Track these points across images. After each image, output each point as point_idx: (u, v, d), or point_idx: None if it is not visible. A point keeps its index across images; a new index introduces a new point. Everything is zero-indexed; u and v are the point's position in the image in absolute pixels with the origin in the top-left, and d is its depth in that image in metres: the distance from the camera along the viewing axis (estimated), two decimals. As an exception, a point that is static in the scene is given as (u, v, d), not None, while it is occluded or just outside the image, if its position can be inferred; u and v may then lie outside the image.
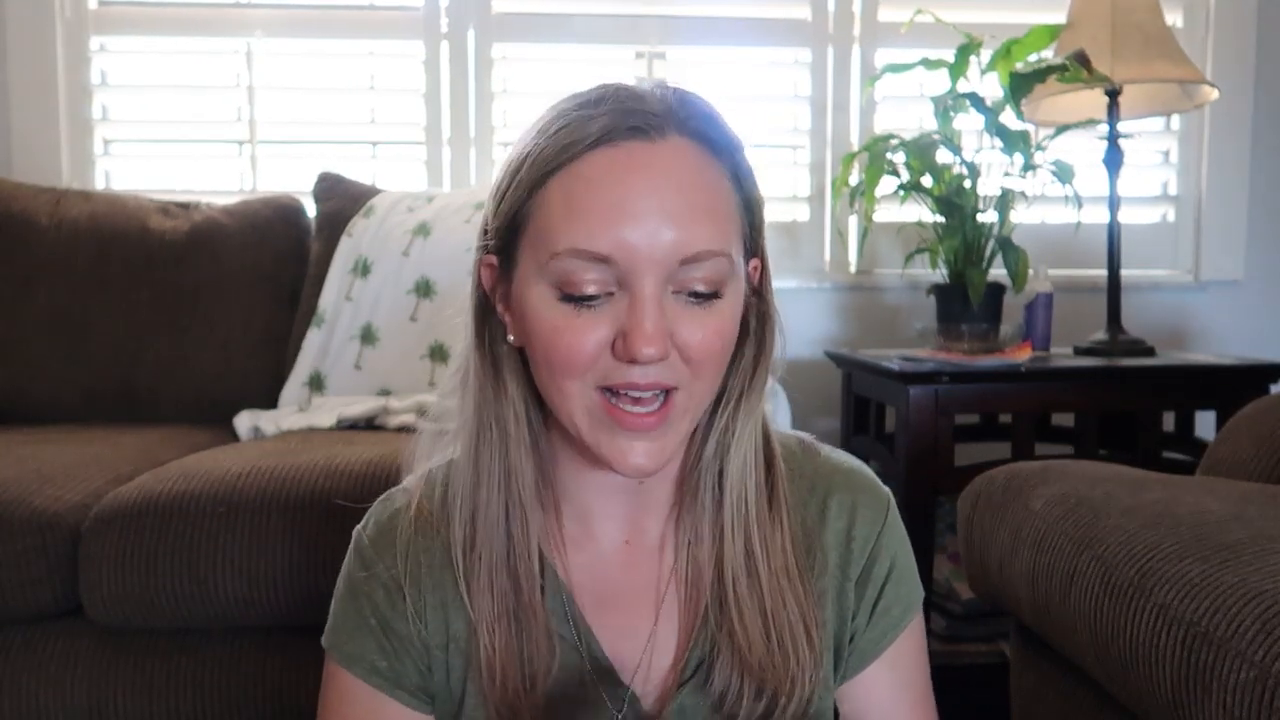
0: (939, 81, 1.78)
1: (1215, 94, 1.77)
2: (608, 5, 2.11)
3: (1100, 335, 1.78)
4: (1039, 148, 1.73)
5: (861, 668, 0.72)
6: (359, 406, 1.54)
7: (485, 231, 0.65)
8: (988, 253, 1.73)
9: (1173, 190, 2.22)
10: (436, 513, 0.69)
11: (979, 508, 1.08)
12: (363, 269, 1.71)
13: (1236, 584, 0.70)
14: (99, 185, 2.08)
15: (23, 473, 1.20)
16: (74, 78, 2.06)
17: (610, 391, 0.60)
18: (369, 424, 1.52)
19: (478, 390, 0.67)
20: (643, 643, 0.69)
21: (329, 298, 1.71)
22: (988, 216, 1.73)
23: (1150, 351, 1.74)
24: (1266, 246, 2.18)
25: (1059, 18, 1.78)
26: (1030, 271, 1.71)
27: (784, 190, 2.17)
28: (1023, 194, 1.73)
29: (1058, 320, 1.88)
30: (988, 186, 1.75)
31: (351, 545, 0.71)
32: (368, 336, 1.68)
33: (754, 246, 0.66)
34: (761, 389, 0.68)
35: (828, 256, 2.15)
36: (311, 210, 1.88)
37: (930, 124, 1.78)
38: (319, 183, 1.88)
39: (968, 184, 1.72)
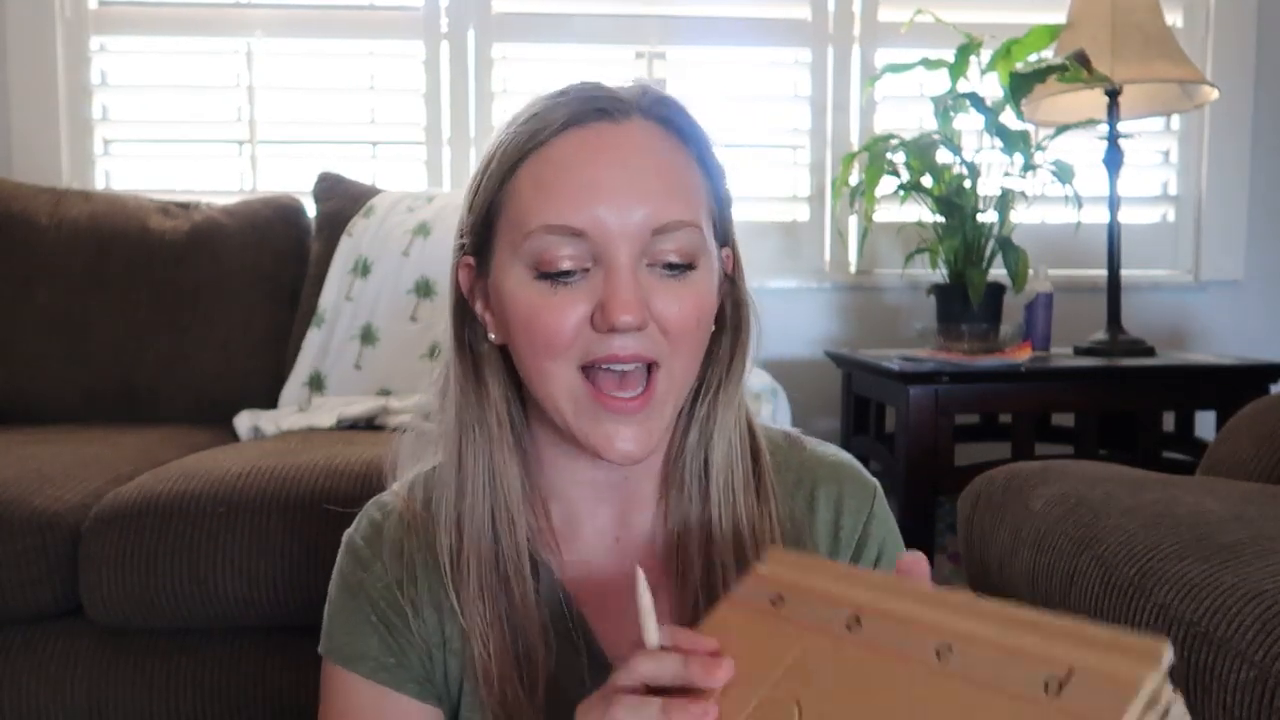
0: (939, 81, 1.78)
1: (1215, 94, 1.78)
2: (608, 5, 2.11)
3: (1100, 335, 1.78)
4: (1039, 148, 1.73)
5: None
6: (359, 406, 1.54)
7: (461, 233, 0.66)
8: (988, 253, 1.73)
9: (1173, 190, 2.22)
10: (422, 519, 0.69)
11: (979, 508, 1.08)
12: (363, 269, 1.71)
13: (1236, 584, 0.70)
14: (99, 185, 2.08)
15: (23, 473, 1.20)
16: (74, 78, 2.06)
17: (593, 373, 0.61)
18: (369, 424, 1.52)
19: (459, 393, 0.67)
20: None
21: (329, 298, 1.71)
22: (988, 216, 1.74)
23: (1150, 351, 1.74)
24: (1266, 246, 2.18)
25: (1059, 18, 1.78)
26: (1030, 271, 1.71)
27: (784, 190, 2.17)
28: (1023, 194, 1.73)
29: (1058, 320, 1.88)
30: (988, 186, 1.75)
31: (343, 549, 0.71)
32: (368, 336, 1.68)
33: (725, 236, 0.68)
34: (740, 377, 0.69)
35: (828, 256, 2.15)
36: (311, 210, 1.88)
37: (930, 124, 1.78)
38: (319, 183, 1.88)
39: (968, 184, 1.72)
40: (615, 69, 2.16)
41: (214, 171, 2.11)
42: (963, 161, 1.72)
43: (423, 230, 1.70)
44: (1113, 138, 1.75)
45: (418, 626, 0.68)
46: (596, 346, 0.60)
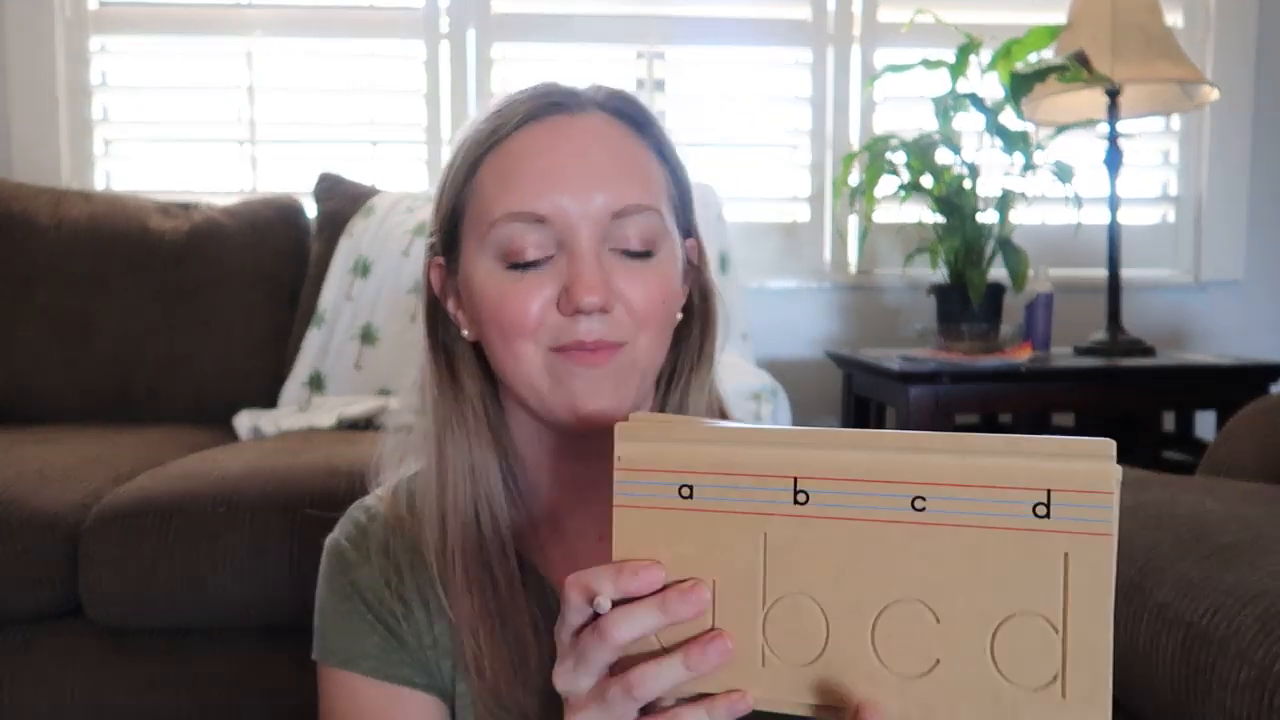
0: (939, 81, 1.78)
1: (1215, 94, 1.78)
2: (608, 5, 2.11)
3: (1100, 335, 1.78)
4: (1039, 148, 1.73)
5: None
6: (359, 406, 1.54)
7: (430, 233, 0.68)
8: (988, 253, 1.73)
9: (1173, 190, 2.22)
10: (407, 520, 0.69)
11: (979, 508, 1.08)
12: (363, 269, 1.71)
13: (1236, 584, 0.70)
14: (99, 185, 2.08)
15: (23, 473, 1.20)
16: (74, 78, 2.06)
17: (561, 351, 0.62)
18: (369, 424, 1.52)
19: (436, 392, 0.68)
20: None
21: (329, 298, 1.71)
22: (988, 216, 1.73)
23: (1150, 351, 1.74)
24: (1266, 246, 2.18)
25: (1059, 18, 1.78)
26: (1030, 271, 1.71)
27: (784, 190, 2.17)
28: (1023, 194, 1.73)
29: (1058, 320, 1.88)
30: (988, 186, 1.75)
31: (327, 554, 0.71)
32: (368, 336, 1.68)
33: (688, 226, 0.69)
34: (710, 363, 0.70)
35: (828, 256, 2.15)
36: (311, 210, 1.88)
37: (930, 124, 1.78)
38: (319, 183, 1.88)
39: (968, 184, 1.72)
40: (615, 69, 2.16)
41: (214, 172, 2.11)
42: (963, 161, 1.72)
43: (422, 230, 1.70)
44: (1113, 138, 1.75)
45: (412, 623, 0.68)
46: (564, 332, 0.61)
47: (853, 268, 2.13)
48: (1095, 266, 1.92)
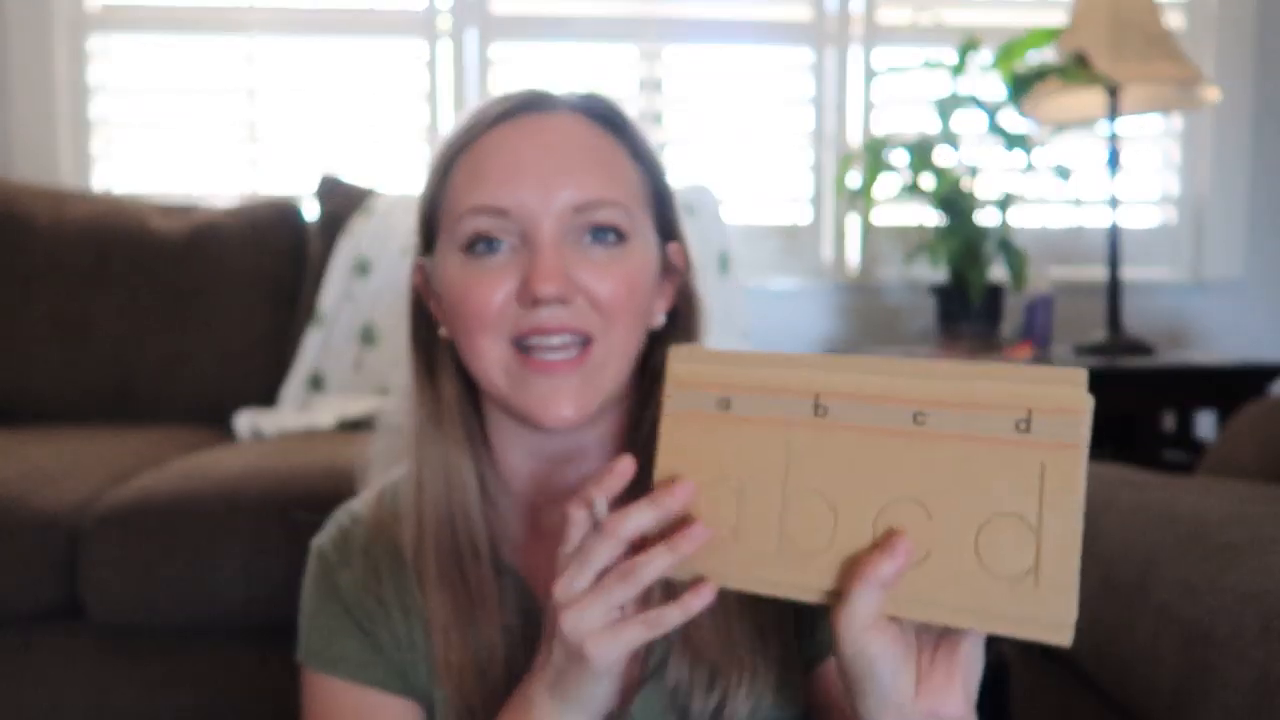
0: (939, 82, 1.78)
1: (1216, 94, 1.78)
2: (608, 5, 2.11)
3: (1100, 335, 1.78)
4: (1039, 148, 1.73)
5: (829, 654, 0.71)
6: (359, 406, 1.55)
7: (415, 234, 0.69)
8: (988, 253, 1.73)
9: (1173, 191, 2.21)
10: (389, 522, 0.70)
11: (979, 508, 1.08)
12: (363, 269, 1.71)
13: (1236, 584, 0.70)
14: (99, 185, 2.08)
15: (23, 473, 1.20)
16: (74, 78, 2.06)
17: (524, 349, 0.62)
18: (369, 424, 1.52)
19: (416, 391, 0.68)
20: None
21: (329, 298, 1.71)
22: (988, 216, 1.74)
23: (1150, 351, 1.74)
24: (1266, 246, 2.18)
25: (1059, 18, 1.78)
26: (1030, 272, 1.71)
27: (784, 190, 2.17)
28: (1023, 194, 1.74)
29: (1058, 320, 1.88)
30: (988, 186, 1.75)
31: (312, 557, 0.72)
32: (368, 336, 1.68)
33: (669, 230, 0.69)
34: None
35: (828, 257, 2.15)
36: (312, 211, 1.88)
37: (930, 124, 1.78)
38: (319, 184, 1.88)
39: (968, 184, 1.72)
40: (615, 69, 2.16)
41: (214, 172, 2.11)
42: (963, 161, 1.72)
43: (423, 230, 1.70)
44: (1113, 138, 1.75)
45: (390, 627, 0.68)
46: (523, 320, 0.61)
47: (853, 268, 2.13)
48: (1095, 266, 1.92)
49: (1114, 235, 1.77)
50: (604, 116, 0.66)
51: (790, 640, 0.69)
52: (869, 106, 2.12)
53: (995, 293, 1.74)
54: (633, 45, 2.12)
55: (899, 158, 1.76)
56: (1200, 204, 2.17)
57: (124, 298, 1.72)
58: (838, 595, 0.49)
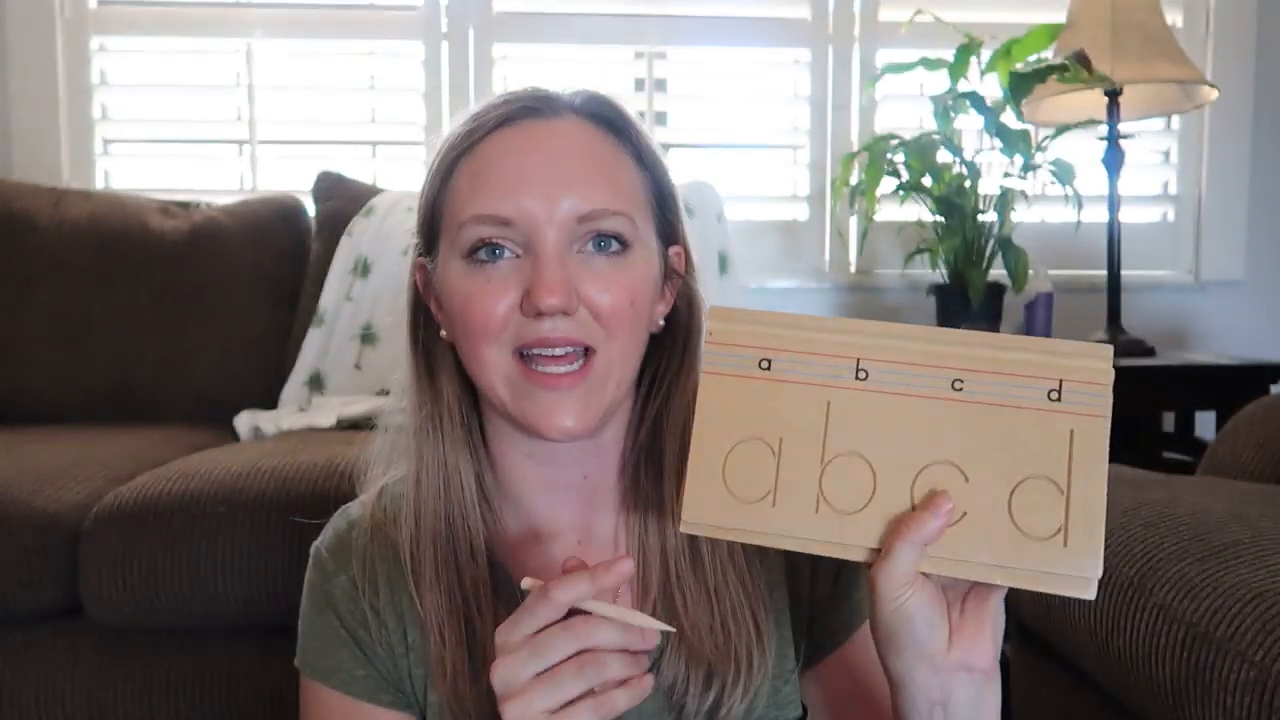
0: (939, 81, 1.78)
1: (1215, 94, 1.78)
2: (608, 5, 2.10)
3: (1100, 335, 1.78)
4: (1039, 148, 1.73)
5: (843, 641, 0.71)
6: (359, 406, 1.54)
7: (414, 235, 0.69)
8: (988, 253, 1.73)
9: (1173, 190, 2.21)
10: (387, 523, 0.70)
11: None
12: (363, 269, 1.71)
13: (1236, 584, 0.70)
14: (99, 185, 2.08)
15: (23, 473, 1.20)
16: (74, 78, 2.06)
17: (527, 358, 0.62)
18: (369, 424, 1.52)
19: (415, 392, 0.68)
20: None
21: (329, 298, 1.71)
22: (988, 216, 1.74)
23: (1150, 351, 1.74)
24: (1266, 246, 2.18)
25: (1059, 18, 1.78)
26: (1030, 271, 1.71)
27: (784, 190, 2.17)
28: (1023, 194, 1.74)
29: (1058, 320, 1.88)
30: (988, 186, 1.75)
31: (311, 561, 0.72)
32: (368, 336, 1.68)
33: (672, 234, 0.69)
34: (692, 370, 0.69)
35: (828, 256, 2.15)
36: (311, 210, 1.88)
37: (930, 124, 1.78)
38: (319, 183, 1.88)
39: (968, 184, 1.72)
40: (615, 69, 2.16)
41: (214, 171, 2.11)
42: (963, 161, 1.72)
43: (423, 230, 1.70)
44: (1113, 138, 1.75)
45: (383, 636, 0.68)
46: (526, 331, 0.61)
47: (853, 268, 2.13)
48: (1095, 266, 1.92)
49: (1114, 235, 1.77)
50: (607, 119, 0.65)
51: (786, 640, 0.69)
52: (869, 106, 2.12)
53: (995, 292, 1.74)
54: (632, 45, 2.12)
55: (899, 158, 1.76)
56: (1200, 204, 2.17)
57: (124, 297, 1.72)
58: (875, 553, 0.51)
